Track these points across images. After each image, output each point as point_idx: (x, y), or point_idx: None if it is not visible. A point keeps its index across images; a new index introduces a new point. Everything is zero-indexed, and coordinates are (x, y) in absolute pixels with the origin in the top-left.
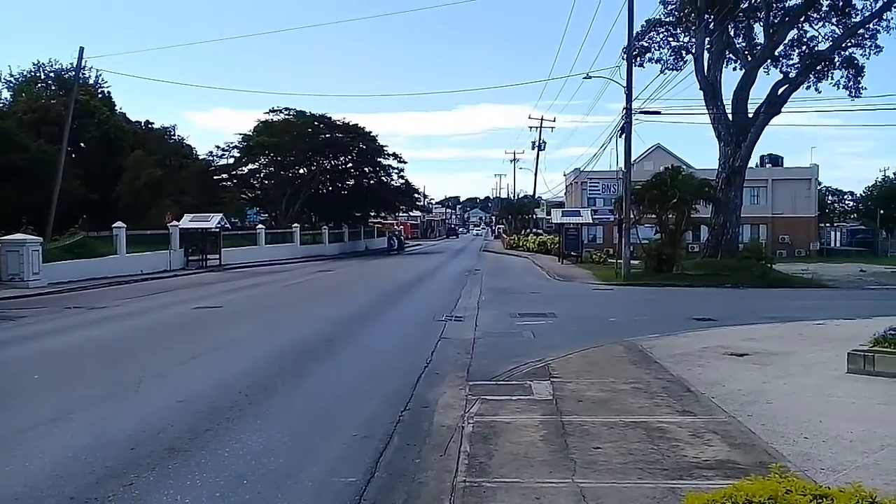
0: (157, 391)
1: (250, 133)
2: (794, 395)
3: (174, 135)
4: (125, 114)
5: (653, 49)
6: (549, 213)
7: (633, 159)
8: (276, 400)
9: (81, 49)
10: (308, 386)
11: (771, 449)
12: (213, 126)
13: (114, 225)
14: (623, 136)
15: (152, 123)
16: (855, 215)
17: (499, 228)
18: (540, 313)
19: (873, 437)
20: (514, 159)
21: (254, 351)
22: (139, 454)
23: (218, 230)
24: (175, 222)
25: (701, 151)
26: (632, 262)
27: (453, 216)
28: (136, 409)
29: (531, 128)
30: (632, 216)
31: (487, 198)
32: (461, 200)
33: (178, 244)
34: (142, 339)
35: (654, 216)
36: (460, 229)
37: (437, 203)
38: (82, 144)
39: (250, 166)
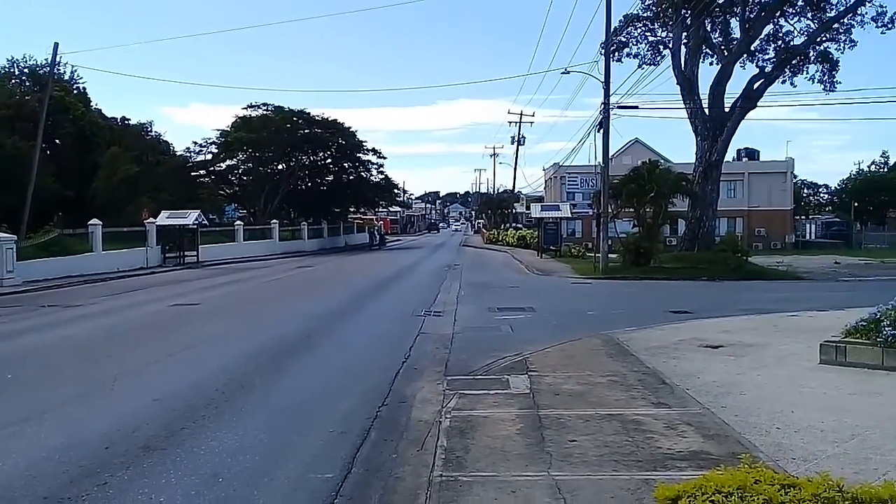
0: (132, 389)
1: (228, 129)
2: (768, 386)
3: (151, 131)
4: (101, 110)
5: (630, 44)
6: (528, 208)
7: (611, 154)
8: (252, 397)
9: (56, 45)
10: (286, 382)
11: (744, 439)
12: (191, 122)
13: (89, 222)
14: (601, 130)
15: (128, 119)
16: (830, 208)
17: (478, 223)
18: (518, 307)
19: (844, 426)
20: (494, 154)
21: (231, 348)
22: (114, 453)
23: (195, 227)
24: (152, 219)
25: (679, 145)
26: (610, 255)
27: (433, 211)
28: (111, 407)
29: (510, 123)
30: (610, 210)
31: (467, 192)
32: (441, 195)
33: (156, 241)
34: (118, 337)
35: (631, 210)
36: (441, 224)
37: (416, 198)
38: (57, 141)
39: (228, 162)
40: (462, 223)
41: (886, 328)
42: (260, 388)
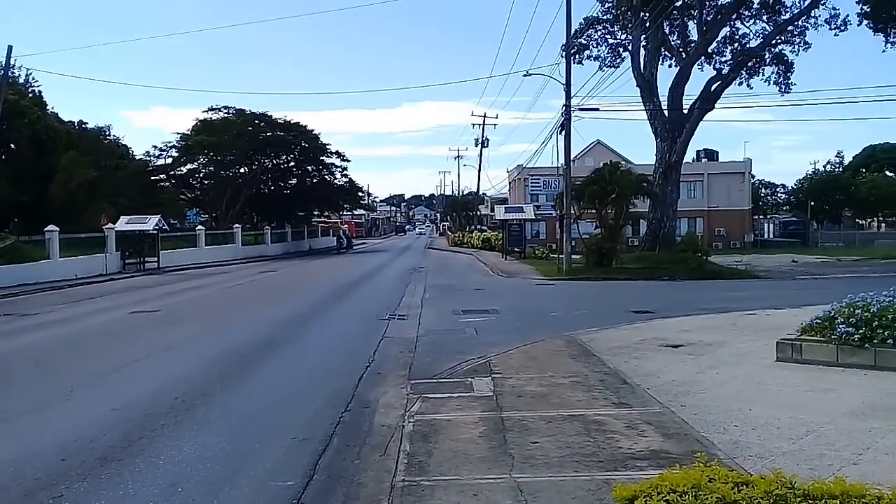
0: (90, 399)
1: (189, 132)
2: (726, 384)
3: (109, 135)
4: (57, 114)
5: (591, 46)
6: (492, 210)
7: (573, 155)
8: (214, 405)
9: (10, 47)
10: (247, 389)
11: (702, 438)
12: (153, 125)
13: (46, 228)
14: (563, 132)
15: (86, 123)
16: (787, 207)
17: (444, 226)
18: (483, 310)
19: (799, 423)
20: (458, 156)
21: (192, 355)
22: (70, 464)
23: (156, 232)
24: (111, 225)
25: (640, 147)
26: (573, 256)
27: (398, 214)
28: (68, 418)
29: (474, 125)
30: (573, 212)
31: (432, 195)
32: (406, 198)
33: (115, 247)
34: (76, 346)
35: (594, 211)
36: (407, 227)
37: (381, 201)
38: (12, 146)
39: (189, 166)
40: (427, 226)
41: (840, 326)
42: (221, 395)
